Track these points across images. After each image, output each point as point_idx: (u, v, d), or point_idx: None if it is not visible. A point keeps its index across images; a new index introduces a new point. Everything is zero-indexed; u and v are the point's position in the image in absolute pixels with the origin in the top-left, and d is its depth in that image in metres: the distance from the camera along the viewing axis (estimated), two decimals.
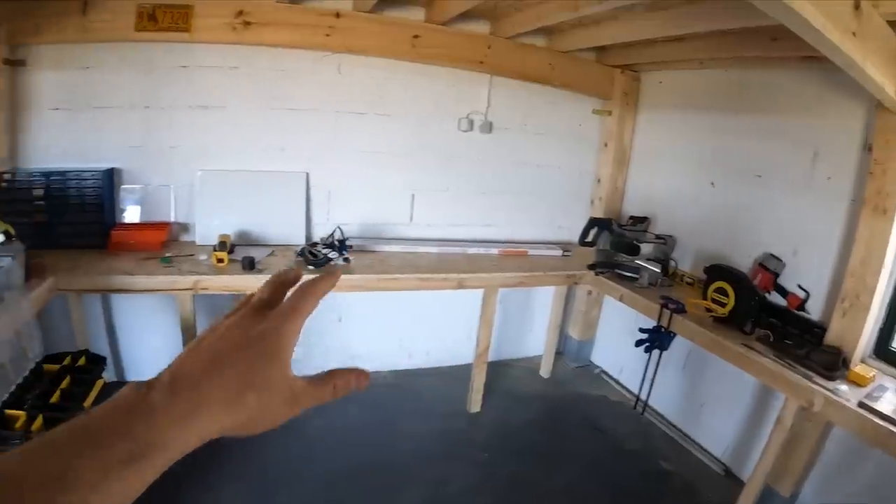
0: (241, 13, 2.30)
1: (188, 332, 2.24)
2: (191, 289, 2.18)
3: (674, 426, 2.83)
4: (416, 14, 2.63)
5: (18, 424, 1.73)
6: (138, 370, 2.75)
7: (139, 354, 2.79)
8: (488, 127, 2.97)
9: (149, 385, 0.36)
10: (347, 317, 2.96)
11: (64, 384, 1.96)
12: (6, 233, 1.97)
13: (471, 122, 2.94)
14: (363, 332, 3.03)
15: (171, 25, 2.26)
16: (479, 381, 2.79)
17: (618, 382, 3.26)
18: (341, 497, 2.17)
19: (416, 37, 2.58)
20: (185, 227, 2.65)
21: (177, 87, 2.47)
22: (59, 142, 2.52)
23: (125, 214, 2.61)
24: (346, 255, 2.42)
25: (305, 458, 2.32)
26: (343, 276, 2.25)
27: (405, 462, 2.40)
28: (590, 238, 2.87)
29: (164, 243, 2.49)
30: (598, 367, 3.45)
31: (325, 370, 0.42)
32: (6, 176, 2.45)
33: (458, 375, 3.02)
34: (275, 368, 0.39)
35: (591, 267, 2.82)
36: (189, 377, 0.37)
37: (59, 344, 2.31)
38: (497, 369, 3.15)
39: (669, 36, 2.38)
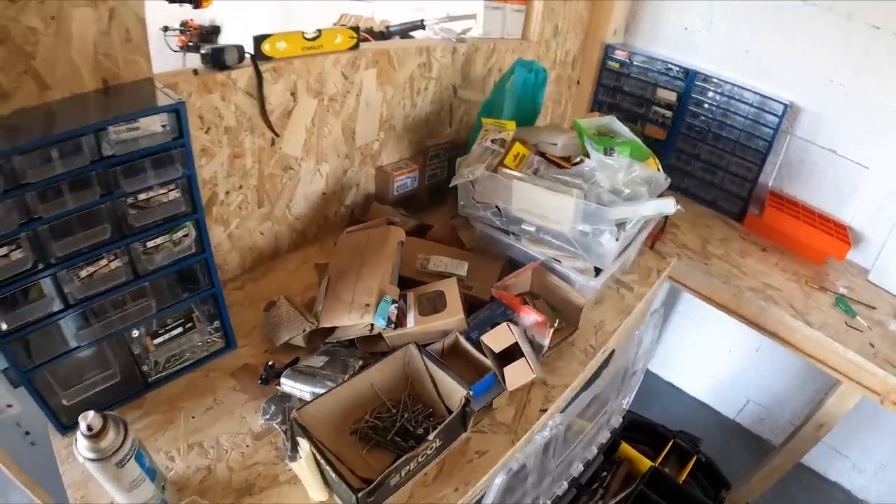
0: None
1: None
2: (877, 393, 1.37)
3: None
4: None
5: None
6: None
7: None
8: None
9: None
10: None
11: None
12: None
13: None
14: None
15: None
16: None
17: None
18: None
19: None
20: (852, 238, 1.60)
21: None
22: (713, 29, 1.60)
23: (775, 180, 1.70)
24: None
25: None
26: None
27: None
28: None
29: (826, 256, 1.62)
30: None
31: None
32: (618, 55, 1.72)
33: None
34: None
35: None
36: None
37: None
38: None
39: None
